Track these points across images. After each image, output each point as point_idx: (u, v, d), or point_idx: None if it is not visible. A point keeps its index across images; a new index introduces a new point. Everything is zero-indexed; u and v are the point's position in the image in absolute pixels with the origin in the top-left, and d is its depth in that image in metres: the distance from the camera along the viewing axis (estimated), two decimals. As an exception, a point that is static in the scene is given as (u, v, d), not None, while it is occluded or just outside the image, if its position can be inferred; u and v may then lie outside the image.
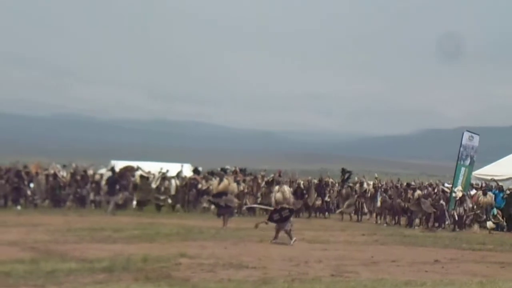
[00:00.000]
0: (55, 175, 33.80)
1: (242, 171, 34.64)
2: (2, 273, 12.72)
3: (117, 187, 31.88)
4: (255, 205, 27.71)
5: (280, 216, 20.79)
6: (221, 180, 26.33)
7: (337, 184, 36.32)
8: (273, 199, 21.66)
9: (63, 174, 34.51)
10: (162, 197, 33.72)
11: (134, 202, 34.17)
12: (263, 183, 34.38)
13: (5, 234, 20.12)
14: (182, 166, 36.80)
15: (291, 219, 21.13)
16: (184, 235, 21.20)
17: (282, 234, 20.70)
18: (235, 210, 28.18)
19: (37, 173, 33.76)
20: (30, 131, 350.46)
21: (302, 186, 34.57)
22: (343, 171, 36.00)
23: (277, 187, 22.08)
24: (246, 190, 33.22)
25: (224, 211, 25.17)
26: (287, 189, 21.84)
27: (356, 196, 34.18)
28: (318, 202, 34.58)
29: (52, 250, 16.73)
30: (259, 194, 33.68)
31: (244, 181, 33.67)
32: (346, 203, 34.02)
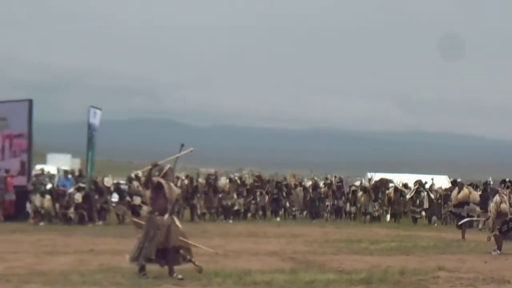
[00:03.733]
0: (314, 187, 34.52)
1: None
2: (263, 283, 13.17)
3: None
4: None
5: (507, 228, 20.21)
6: (460, 190, 25.49)
7: None
8: (497, 210, 20.29)
9: (321, 185, 35.19)
10: (417, 210, 33.29)
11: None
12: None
13: (266, 244, 20.90)
14: (432, 178, 35.96)
15: None
16: (442, 248, 20.81)
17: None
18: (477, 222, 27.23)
19: (295, 185, 34.68)
20: (290, 144, 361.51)
21: None
22: None
23: (497, 198, 20.78)
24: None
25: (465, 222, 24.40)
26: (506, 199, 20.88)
27: None
28: None
29: (311, 260, 17.10)
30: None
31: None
32: None
